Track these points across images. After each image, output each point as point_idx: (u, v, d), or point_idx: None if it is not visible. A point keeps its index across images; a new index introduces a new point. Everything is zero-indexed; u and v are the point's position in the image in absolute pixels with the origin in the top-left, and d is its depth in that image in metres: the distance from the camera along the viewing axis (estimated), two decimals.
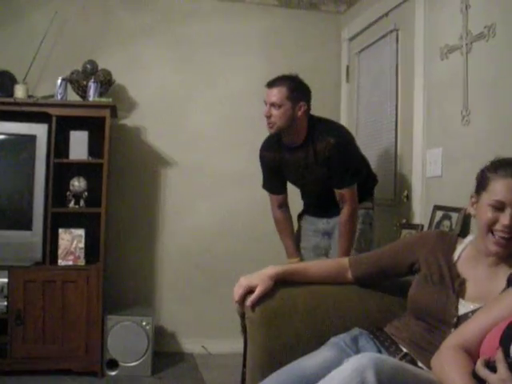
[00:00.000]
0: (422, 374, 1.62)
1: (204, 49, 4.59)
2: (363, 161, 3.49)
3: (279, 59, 4.64)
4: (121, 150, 4.37)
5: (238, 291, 2.10)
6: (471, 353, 1.59)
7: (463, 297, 1.89)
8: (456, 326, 1.82)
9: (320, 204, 3.47)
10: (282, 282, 2.14)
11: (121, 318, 3.89)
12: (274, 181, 3.50)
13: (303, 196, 3.61)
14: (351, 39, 4.68)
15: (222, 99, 4.59)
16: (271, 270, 2.13)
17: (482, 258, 1.94)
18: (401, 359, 1.84)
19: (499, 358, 1.39)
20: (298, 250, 3.53)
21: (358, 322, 2.11)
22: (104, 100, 3.95)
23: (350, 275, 2.21)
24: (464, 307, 1.86)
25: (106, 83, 4.09)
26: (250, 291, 2.08)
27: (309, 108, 3.24)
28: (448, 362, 1.58)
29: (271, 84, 3.21)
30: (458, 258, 2.00)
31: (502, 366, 1.37)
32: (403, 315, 2.07)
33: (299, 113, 3.18)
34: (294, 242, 3.53)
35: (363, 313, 2.18)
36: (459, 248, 2.03)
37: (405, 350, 1.91)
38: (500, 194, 1.80)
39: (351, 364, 1.35)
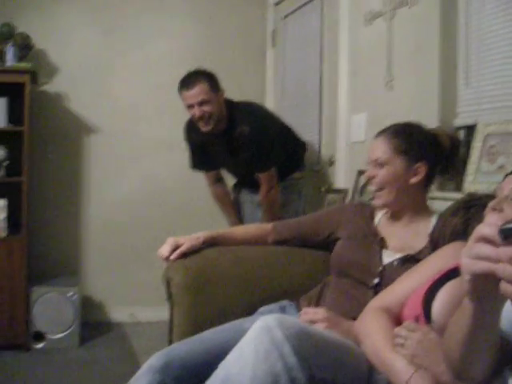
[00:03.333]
0: (328, 333, 1.65)
1: (128, 12, 4.45)
2: (287, 135, 3.52)
3: (205, 23, 4.59)
4: (43, 118, 4.21)
5: (164, 248, 2.12)
6: (394, 315, 1.61)
7: (386, 248, 1.97)
8: (381, 275, 1.88)
9: (249, 182, 3.49)
10: (210, 244, 2.18)
11: (46, 289, 3.81)
12: (203, 159, 3.50)
13: (232, 176, 3.63)
14: (277, 4, 4.63)
15: (147, 64, 4.48)
16: (200, 233, 2.17)
17: (396, 219, 2.03)
18: None
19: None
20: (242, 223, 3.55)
21: (284, 290, 2.15)
22: (23, 65, 3.80)
23: (270, 239, 2.27)
24: (388, 257, 1.92)
25: (25, 47, 3.93)
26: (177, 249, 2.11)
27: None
28: (370, 324, 1.60)
29: (189, 84, 3.17)
30: (378, 222, 2.09)
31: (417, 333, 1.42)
32: (316, 287, 2.10)
33: (221, 99, 3.22)
34: (237, 217, 3.59)
35: (290, 281, 2.21)
36: (378, 214, 2.11)
37: None
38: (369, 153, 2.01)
39: (259, 324, 1.39)
